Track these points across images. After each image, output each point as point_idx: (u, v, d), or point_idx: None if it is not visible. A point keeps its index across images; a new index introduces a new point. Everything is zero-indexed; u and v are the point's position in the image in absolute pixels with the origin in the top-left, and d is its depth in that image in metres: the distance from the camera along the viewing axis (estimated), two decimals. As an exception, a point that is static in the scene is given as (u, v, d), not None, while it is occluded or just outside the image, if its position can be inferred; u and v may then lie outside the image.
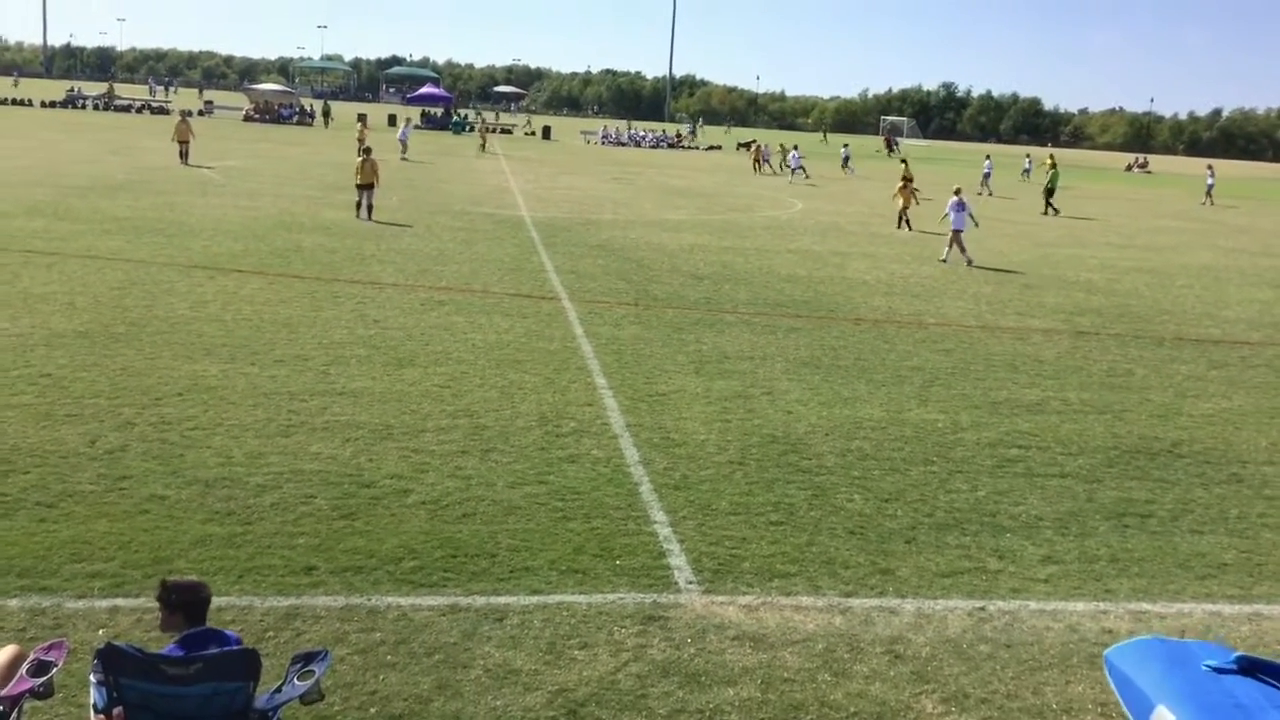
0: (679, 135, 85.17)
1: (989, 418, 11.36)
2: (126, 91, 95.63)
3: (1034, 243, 29.10)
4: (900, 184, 30.30)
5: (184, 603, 4.42)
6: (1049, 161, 41.78)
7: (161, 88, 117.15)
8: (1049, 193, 39.12)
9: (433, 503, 8.04)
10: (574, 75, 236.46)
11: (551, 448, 9.46)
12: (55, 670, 4.44)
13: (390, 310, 14.82)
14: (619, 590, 6.85)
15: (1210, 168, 54.49)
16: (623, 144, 78.94)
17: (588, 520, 7.91)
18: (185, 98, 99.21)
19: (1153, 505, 9.05)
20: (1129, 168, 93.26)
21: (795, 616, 6.67)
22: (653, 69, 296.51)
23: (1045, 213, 38.02)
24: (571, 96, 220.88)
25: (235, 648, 4.31)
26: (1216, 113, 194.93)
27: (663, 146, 78.43)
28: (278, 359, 11.83)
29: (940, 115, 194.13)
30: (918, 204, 30.59)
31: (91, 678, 4.13)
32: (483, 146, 56.45)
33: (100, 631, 5.90)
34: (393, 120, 63.48)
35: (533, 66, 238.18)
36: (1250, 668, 3.86)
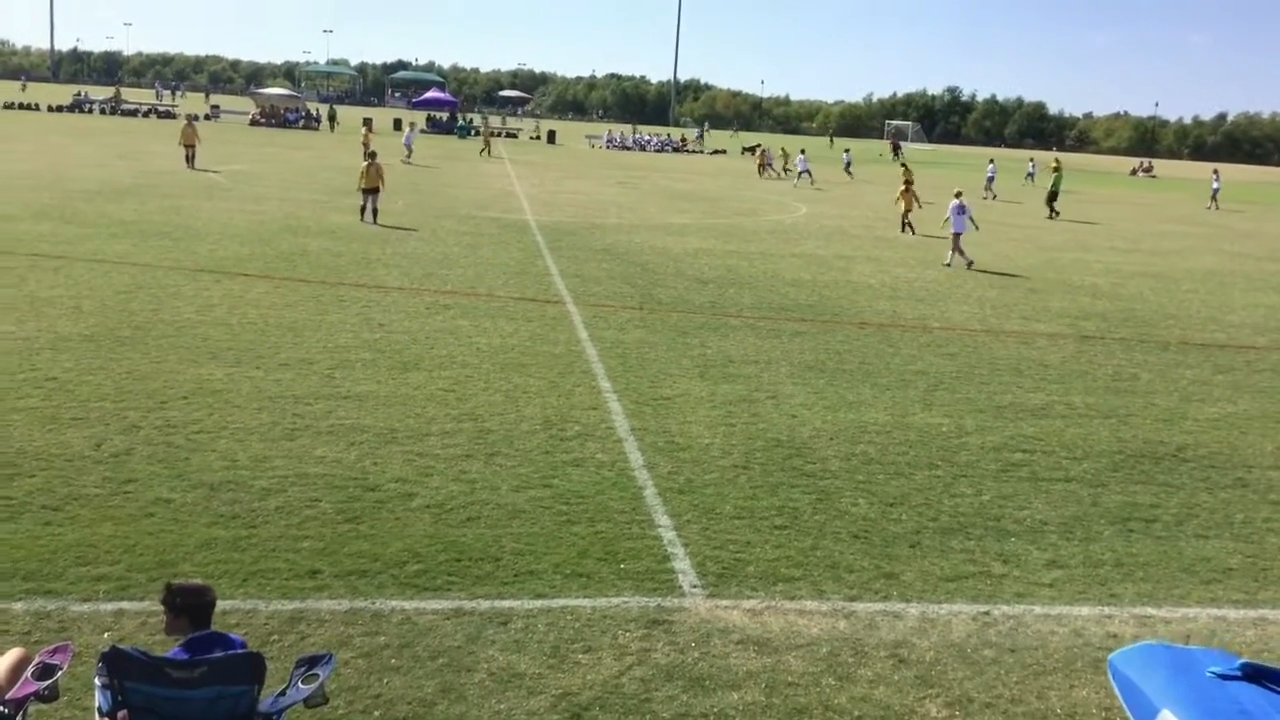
0: (683, 139, 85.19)
1: (994, 422, 11.35)
2: (133, 96, 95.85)
3: (1039, 247, 29.07)
4: (902, 188, 30.33)
5: (189, 606, 4.43)
6: (1053, 165, 41.74)
7: (168, 92, 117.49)
8: (1052, 196, 39.07)
9: (437, 506, 8.05)
10: (579, 79, 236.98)
11: (556, 451, 9.47)
12: (60, 673, 4.45)
13: (395, 314, 14.84)
14: (623, 594, 6.85)
15: (1216, 172, 54.38)
16: (627, 148, 79.00)
17: (592, 524, 7.92)
18: (192, 102, 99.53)
19: (1158, 510, 9.04)
20: (1133, 172, 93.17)
21: (799, 620, 6.67)
22: (657, 73, 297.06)
23: (1049, 216, 37.98)
24: (576, 101, 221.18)
25: (240, 651, 4.32)
26: (1221, 117, 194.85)
27: (667, 150, 78.47)
28: (283, 363, 11.85)
29: (945, 119, 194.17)
30: (920, 207, 30.60)
31: (96, 681, 4.14)
32: (487, 151, 56.26)
33: (105, 635, 5.92)
34: (398, 124, 63.54)
35: (538, 71, 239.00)
36: (1255, 674, 3.85)
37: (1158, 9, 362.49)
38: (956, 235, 23.50)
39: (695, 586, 7.03)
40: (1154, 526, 8.66)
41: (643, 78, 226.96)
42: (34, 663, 4.48)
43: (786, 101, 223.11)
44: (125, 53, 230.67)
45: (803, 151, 50.01)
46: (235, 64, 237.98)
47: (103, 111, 78.16)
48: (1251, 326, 18.59)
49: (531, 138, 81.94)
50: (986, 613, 6.96)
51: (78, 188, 27.91)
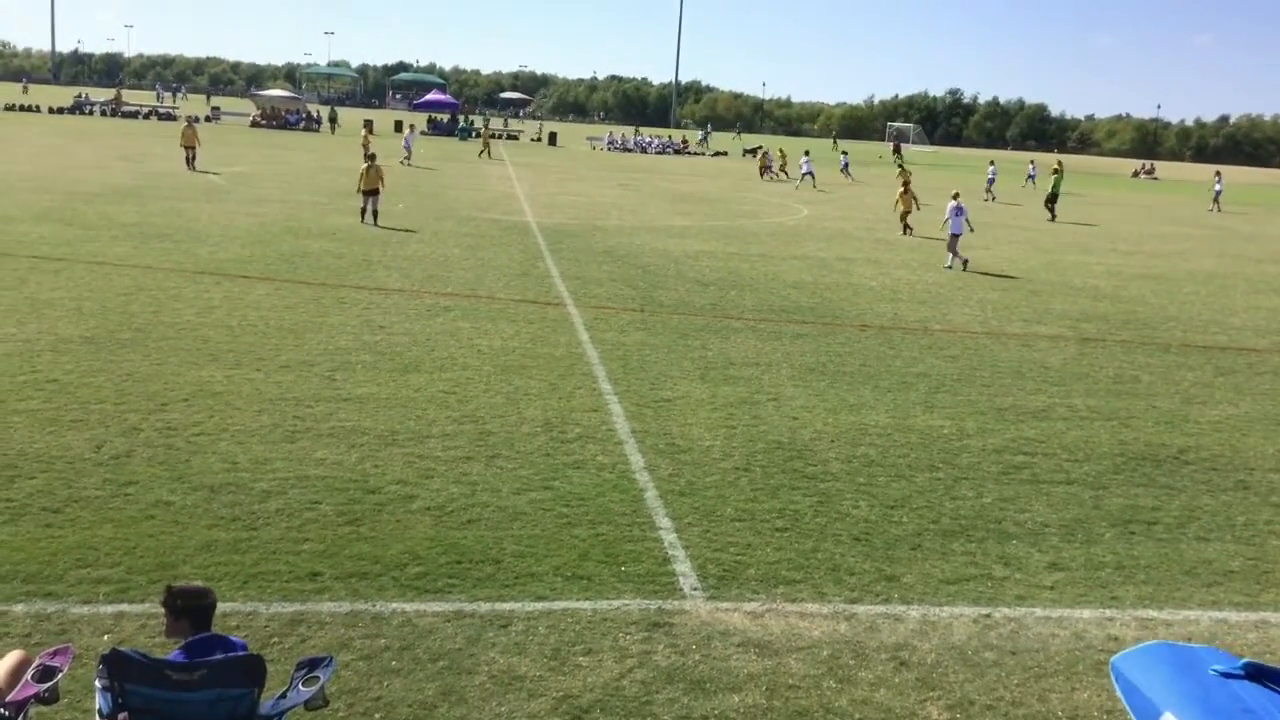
0: (684, 141, 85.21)
1: (995, 424, 11.35)
2: (134, 98, 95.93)
3: (1039, 249, 29.06)
4: (901, 189, 30.40)
5: (189, 608, 4.43)
6: (1054, 167, 41.72)
7: (169, 94, 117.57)
8: (1052, 198, 39.04)
9: (438, 509, 8.05)
10: (580, 81, 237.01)
11: (556, 453, 9.46)
12: (60, 676, 4.45)
13: (396, 316, 14.84)
14: (624, 596, 6.84)
15: (1218, 174, 54.36)
16: (629, 150, 79.00)
17: (593, 526, 7.91)
18: (193, 104, 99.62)
19: (1159, 512, 9.03)
20: (1135, 174, 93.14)
21: (800, 623, 6.66)
22: (659, 75, 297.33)
23: (1052, 219, 37.97)
24: (577, 103, 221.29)
25: (240, 653, 4.31)
26: (1224, 119, 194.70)
27: (668, 152, 78.48)
28: (283, 365, 11.85)
29: (946, 121, 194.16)
30: (918, 209, 30.66)
31: (96, 683, 4.14)
32: (486, 153, 56.23)
33: (105, 637, 5.91)
34: (399, 126, 63.58)
35: (539, 73, 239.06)
36: (1258, 674, 3.84)
37: (1160, 11, 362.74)
38: (954, 236, 23.56)
39: (696, 589, 7.03)
40: (1155, 529, 8.66)
41: (644, 80, 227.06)
42: (34, 665, 4.48)
43: (788, 103, 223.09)
44: (126, 55, 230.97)
45: (806, 153, 50.01)
46: (236, 66, 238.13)
47: (103, 113, 78.20)
48: (1253, 329, 18.59)
49: (532, 140, 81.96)
50: (988, 615, 6.96)
51: (78, 190, 27.93)
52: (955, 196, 24.03)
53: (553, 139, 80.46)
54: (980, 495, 9.15)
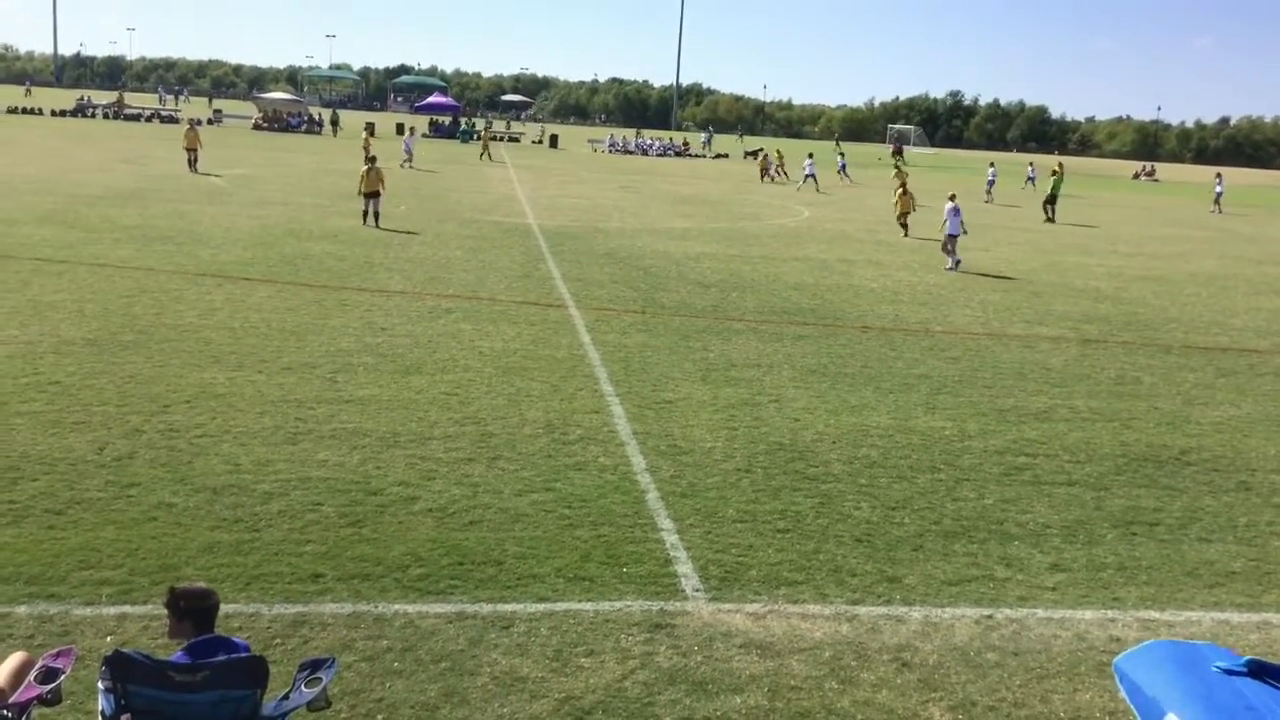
0: (685, 143, 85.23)
1: (996, 425, 11.35)
2: (136, 100, 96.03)
3: (1041, 250, 29.06)
4: (900, 190, 30.47)
5: (192, 610, 4.43)
6: (1053, 170, 41.69)
7: (172, 96, 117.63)
8: (1051, 200, 38.98)
9: (440, 510, 8.05)
10: (581, 84, 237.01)
11: (558, 455, 9.47)
12: (63, 677, 4.45)
13: (398, 318, 14.86)
14: (626, 598, 6.85)
15: (1219, 175, 54.34)
16: (630, 152, 79.01)
17: (594, 528, 7.91)
18: (196, 106, 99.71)
19: (1161, 513, 9.03)
20: (1136, 175, 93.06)
21: (802, 624, 6.66)
22: (660, 78, 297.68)
23: (1048, 219, 37.94)
24: (579, 105, 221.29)
25: (243, 655, 4.32)
26: (1224, 121, 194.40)
27: (670, 154, 78.49)
28: (285, 366, 11.86)
29: (947, 123, 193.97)
30: (914, 210, 30.73)
31: (99, 685, 4.14)
32: (486, 155, 56.24)
33: (108, 638, 5.92)
34: (401, 129, 63.63)
35: (540, 75, 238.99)
36: (1260, 671, 3.84)
37: (1160, 13, 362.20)
38: (952, 238, 23.64)
39: (698, 590, 7.03)
40: (1157, 530, 8.66)
41: (645, 82, 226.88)
42: (37, 667, 4.48)
43: (789, 106, 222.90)
44: (128, 57, 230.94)
45: (810, 156, 50.01)
46: (238, 68, 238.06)
47: (106, 116, 78.24)
48: (1254, 330, 18.58)
49: (534, 142, 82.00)
50: (989, 616, 6.96)
51: (81, 192, 27.96)
52: (952, 198, 24.11)
53: (554, 141, 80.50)
54: (982, 496, 9.15)
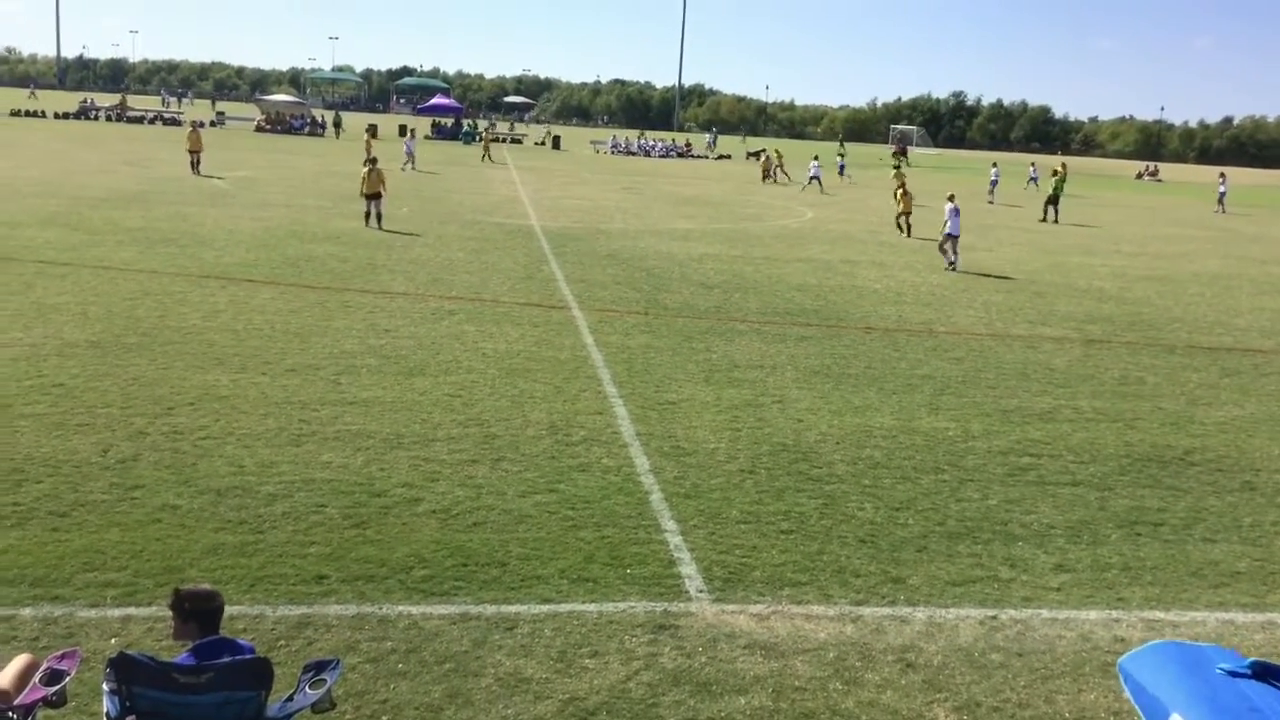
0: (688, 144, 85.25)
1: (1000, 426, 11.34)
2: (139, 103, 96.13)
3: (1044, 250, 29.04)
4: (900, 191, 30.47)
5: (196, 611, 4.43)
6: (1055, 170, 41.65)
7: (174, 99, 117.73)
8: (1053, 200, 38.91)
9: (443, 511, 8.06)
10: (583, 85, 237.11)
11: (562, 456, 9.47)
12: (68, 679, 4.46)
13: (401, 319, 14.86)
14: (629, 599, 6.85)
15: (1222, 175, 54.26)
16: (632, 153, 79.01)
17: (598, 529, 7.91)
18: (199, 108, 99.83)
19: (1165, 513, 9.02)
20: (1139, 175, 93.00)
21: (806, 625, 6.66)
22: (662, 79, 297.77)
23: (1043, 219, 37.86)
24: (581, 106, 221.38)
25: (248, 656, 4.32)
26: (1227, 120, 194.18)
27: (672, 156, 78.49)
28: (289, 368, 11.87)
29: (950, 123, 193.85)
30: (911, 211, 30.75)
31: (104, 686, 4.15)
32: (488, 157, 56.21)
33: (113, 640, 5.93)
34: (403, 130, 63.65)
35: (542, 77, 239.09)
36: (1264, 673, 3.84)
37: (1162, 13, 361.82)
38: (953, 238, 23.66)
39: (702, 591, 7.03)
40: (1161, 530, 8.65)
41: (647, 83, 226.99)
42: (42, 668, 4.49)
43: (791, 106, 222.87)
44: (131, 60, 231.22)
45: (815, 158, 50.02)
46: (240, 71, 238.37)
47: (109, 119, 78.33)
48: (1258, 330, 18.56)
49: (536, 143, 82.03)
50: (994, 617, 6.95)
51: (84, 194, 27.99)
52: (951, 199, 24.13)
53: (556, 143, 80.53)
54: (986, 497, 9.15)
